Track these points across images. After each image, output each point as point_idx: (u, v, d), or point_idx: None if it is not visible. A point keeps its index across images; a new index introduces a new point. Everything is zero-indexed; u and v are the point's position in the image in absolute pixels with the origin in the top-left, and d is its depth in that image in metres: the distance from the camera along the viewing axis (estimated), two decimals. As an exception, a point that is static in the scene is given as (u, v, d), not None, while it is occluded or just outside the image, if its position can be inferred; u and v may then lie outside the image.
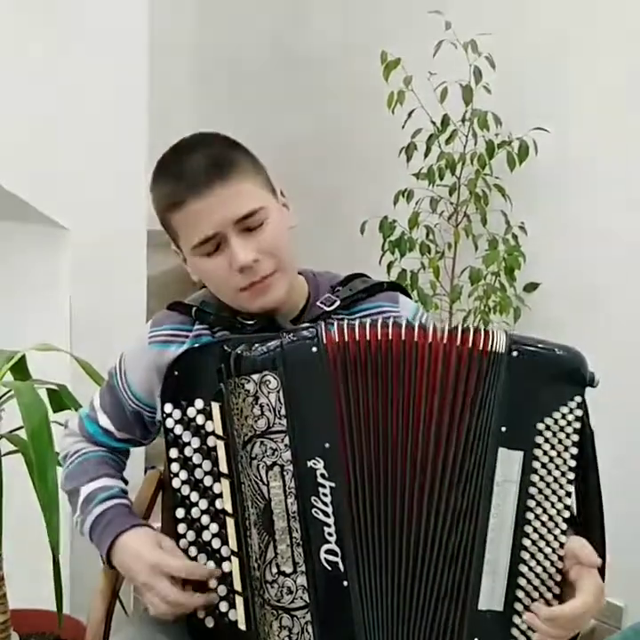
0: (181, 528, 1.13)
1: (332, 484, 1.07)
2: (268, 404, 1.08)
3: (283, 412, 1.08)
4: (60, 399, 1.65)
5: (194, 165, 1.16)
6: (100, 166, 1.90)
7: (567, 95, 2.25)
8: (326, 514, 1.07)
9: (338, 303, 1.24)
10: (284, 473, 1.08)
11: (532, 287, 2.32)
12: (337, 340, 1.10)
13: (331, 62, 2.88)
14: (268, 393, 1.09)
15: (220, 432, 1.12)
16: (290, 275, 1.22)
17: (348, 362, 1.10)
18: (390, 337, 1.10)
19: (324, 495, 1.07)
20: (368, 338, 1.10)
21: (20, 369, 1.63)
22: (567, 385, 1.08)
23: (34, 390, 1.48)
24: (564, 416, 1.07)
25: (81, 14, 1.84)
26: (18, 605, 1.76)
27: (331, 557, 1.07)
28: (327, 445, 1.08)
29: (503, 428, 1.07)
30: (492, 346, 1.08)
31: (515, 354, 1.08)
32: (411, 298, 1.34)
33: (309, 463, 1.08)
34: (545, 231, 2.30)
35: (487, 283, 2.26)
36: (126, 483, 1.32)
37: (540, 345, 1.10)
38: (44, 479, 1.43)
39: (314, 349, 1.10)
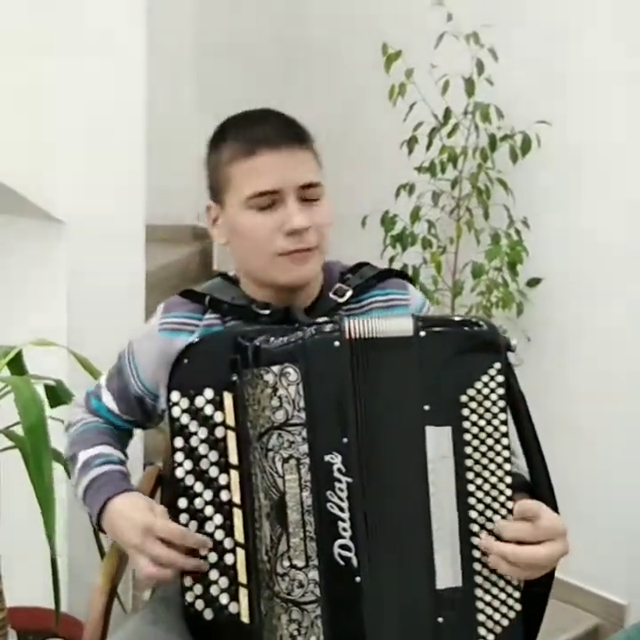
0: (183, 518, 1.12)
1: (349, 480, 1.07)
2: (286, 396, 1.08)
3: (301, 404, 1.08)
4: (57, 395, 1.64)
5: (272, 125, 1.20)
6: (98, 160, 1.89)
7: (570, 88, 2.23)
8: (342, 509, 1.07)
9: (350, 294, 1.25)
10: (300, 466, 1.07)
11: (534, 282, 2.31)
12: (360, 334, 1.10)
13: (331, 54, 2.86)
14: (288, 385, 1.08)
15: (231, 422, 1.11)
16: (322, 260, 1.24)
17: (368, 356, 1.10)
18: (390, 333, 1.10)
19: (340, 490, 1.07)
20: (385, 333, 1.10)
21: (16, 364, 1.62)
22: (481, 354, 1.10)
23: (31, 386, 1.47)
24: (485, 384, 1.09)
25: (80, 9, 1.83)
26: (15, 603, 1.75)
27: (344, 553, 1.07)
28: (345, 440, 1.08)
29: (426, 407, 1.08)
30: (401, 331, 1.10)
31: (422, 334, 1.10)
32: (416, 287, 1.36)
33: (327, 457, 1.08)
34: (547, 225, 2.29)
35: (489, 278, 2.24)
36: (126, 456, 1.32)
37: (448, 322, 1.13)
38: (41, 475, 1.42)
39: (336, 344, 1.10)
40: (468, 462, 1.08)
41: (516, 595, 1.08)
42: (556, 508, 1.11)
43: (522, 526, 1.07)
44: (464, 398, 1.08)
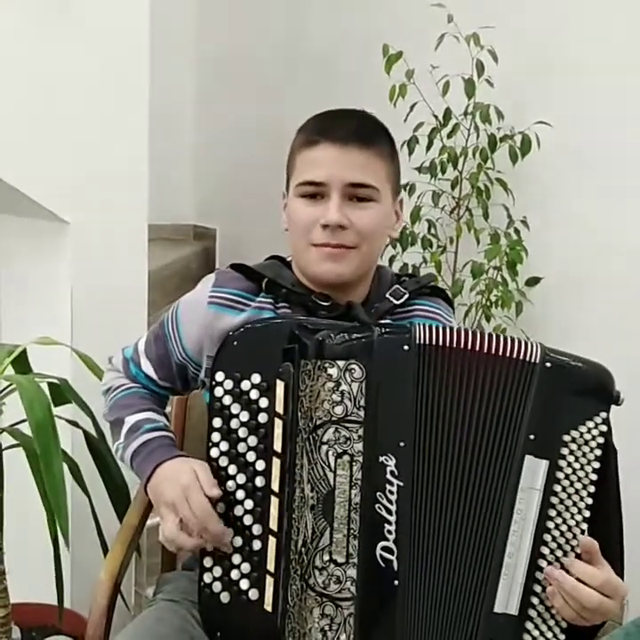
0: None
1: (401, 483, 1.08)
2: (348, 392, 1.08)
3: (362, 402, 1.08)
4: (61, 393, 1.64)
5: (344, 123, 1.23)
6: (102, 160, 1.90)
7: (569, 89, 2.24)
8: (389, 511, 1.08)
9: (407, 296, 1.26)
10: (353, 463, 1.08)
11: (533, 281, 2.32)
12: (429, 342, 1.10)
13: (332, 56, 2.87)
14: (352, 381, 1.08)
15: (280, 410, 1.10)
16: (365, 263, 1.24)
17: (436, 365, 1.10)
18: (470, 345, 1.10)
19: (391, 493, 1.07)
20: (455, 344, 1.10)
21: (21, 363, 1.63)
22: (595, 400, 1.09)
23: (36, 384, 1.48)
24: (589, 430, 1.08)
25: (83, 8, 1.84)
26: (19, 599, 1.75)
27: (386, 555, 1.08)
28: (402, 444, 1.08)
29: (531, 436, 1.08)
30: (527, 356, 1.09)
31: (548, 365, 1.09)
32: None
33: (381, 458, 1.08)
34: (547, 225, 2.30)
35: (489, 277, 2.26)
36: (168, 419, 1.33)
37: (571, 358, 1.12)
38: (51, 471, 1.42)
39: (405, 347, 1.09)
40: (554, 500, 1.08)
41: (562, 637, 1.09)
42: (621, 572, 1.10)
43: (591, 571, 1.06)
44: (567, 437, 1.08)
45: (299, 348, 1.10)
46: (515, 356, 1.09)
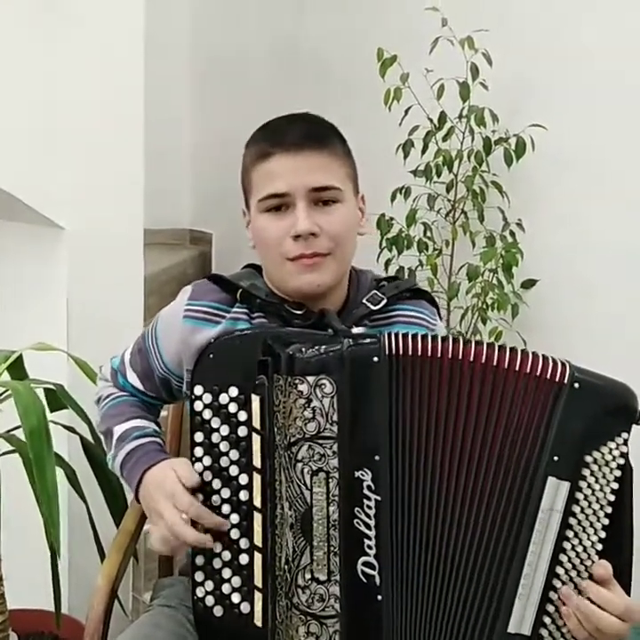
0: None
1: (378, 498, 1.06)
2: (320, 409, 1.06)
3: (335, 418, 1.06)
4: (57, 399, 1.64)
5: (293, 129, 1.21)
6: (98, 165, 1.90)
7: (564, 92, 2.24)
8: (368, 526, 1.06)
9: (385, 302, 1.24)
10: (329, 480, 1.06)
11: (529, 284, 2.32)
12: (402, 351, 1.07)
13: (327, 60, 2.88)
14: (322, 397, 1.06)
15: (257, 425, 1.09)
16: (341, 268, 1.22)
17: (412, 375, 1.07)
18: (461, 355, 1.07)
19: (369, 508, 1.06)
20: (439, 354, 1.07)
21: (17, 369, 1.63)
22: (617, 420, 1.08)
23: (31, 390, 1.48)
24: (610, 451, 1.07)
25: (78, 14, 1.84)
26: (16, 605, 1.75)
27: (368, 570, 1.06)
28: (377, 458, 1.06)
29: (555, 458, 1.06)
30: (557, 376, 1.07)
31: (576, 385, 1.07)
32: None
33: (357, 473, 1.06)
34: (542, 228, 2.30)
35: (485, 280, 2.25)
36: (159, 426, 1.32)
37: (598, 378, 1.10)
38: (43, 478, 1.42)
39: (375, 359, 1.07)
40: (572, 521, 1.06)
41: None
42: (628, 589, 1.09)
43: (606, 594, 1.05)
44: (589, 459, 1.07)
45: (272, 361, 1.08)
46: (545, 375, 1.07)
